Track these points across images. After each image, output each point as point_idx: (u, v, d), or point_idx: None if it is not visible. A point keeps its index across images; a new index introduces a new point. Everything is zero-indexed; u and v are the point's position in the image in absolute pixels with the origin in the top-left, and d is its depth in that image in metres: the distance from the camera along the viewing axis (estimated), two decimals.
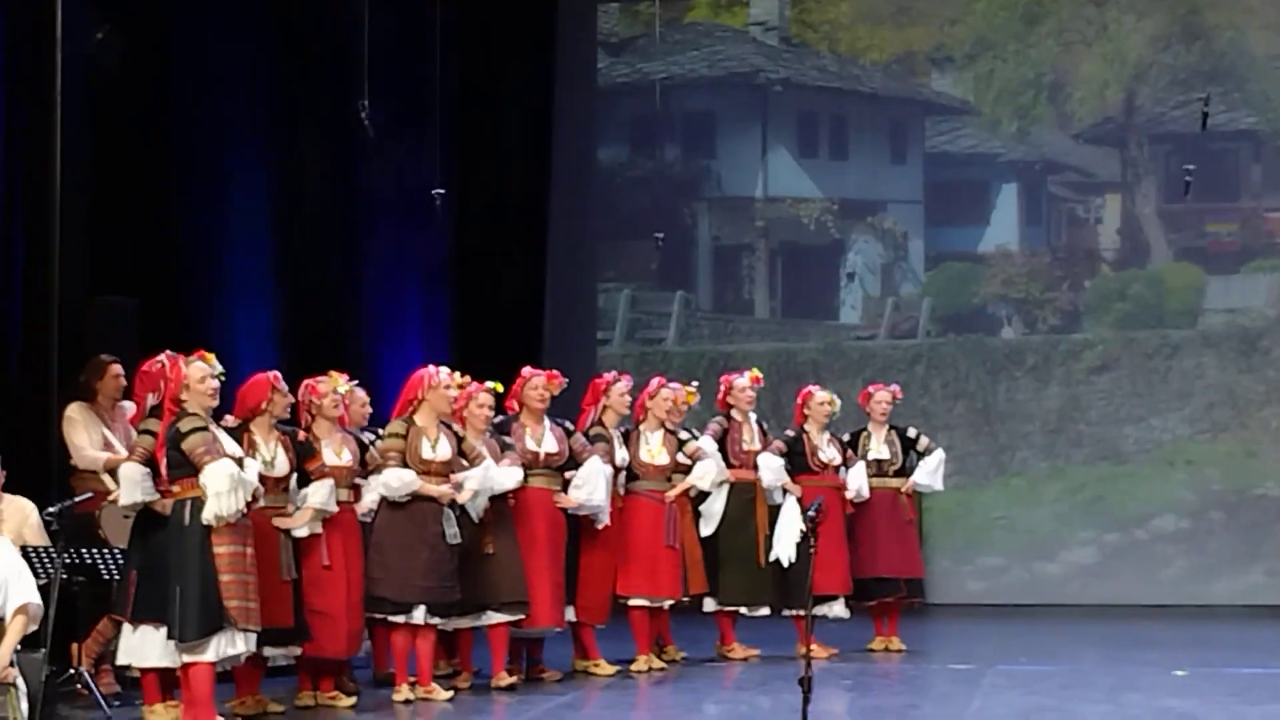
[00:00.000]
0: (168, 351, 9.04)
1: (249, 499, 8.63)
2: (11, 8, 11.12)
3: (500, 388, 10.49)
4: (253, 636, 8.66)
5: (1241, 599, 15.19)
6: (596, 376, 11.60)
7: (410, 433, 9.90)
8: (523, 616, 10.29)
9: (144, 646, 8.73)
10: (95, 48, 11.69)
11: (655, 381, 11.58)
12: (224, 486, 8.45)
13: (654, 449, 11.33)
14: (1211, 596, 15.24)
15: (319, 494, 9.32)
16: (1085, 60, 16.13)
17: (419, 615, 9.83)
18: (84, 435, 10.12)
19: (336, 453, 9.61)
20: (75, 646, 9.70)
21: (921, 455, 12.23)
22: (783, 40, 16.59)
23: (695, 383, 11.85)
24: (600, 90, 16.65)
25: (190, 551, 8.47)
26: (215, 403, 8.85)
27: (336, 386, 9.78)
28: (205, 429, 8.61)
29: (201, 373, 8.74)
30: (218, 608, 8.47)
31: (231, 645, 8.58)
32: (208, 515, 8.44)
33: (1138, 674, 10.85)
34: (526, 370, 10.83)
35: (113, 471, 9.43)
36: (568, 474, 10.73)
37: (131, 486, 8.75)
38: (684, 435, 11.54)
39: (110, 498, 9.44)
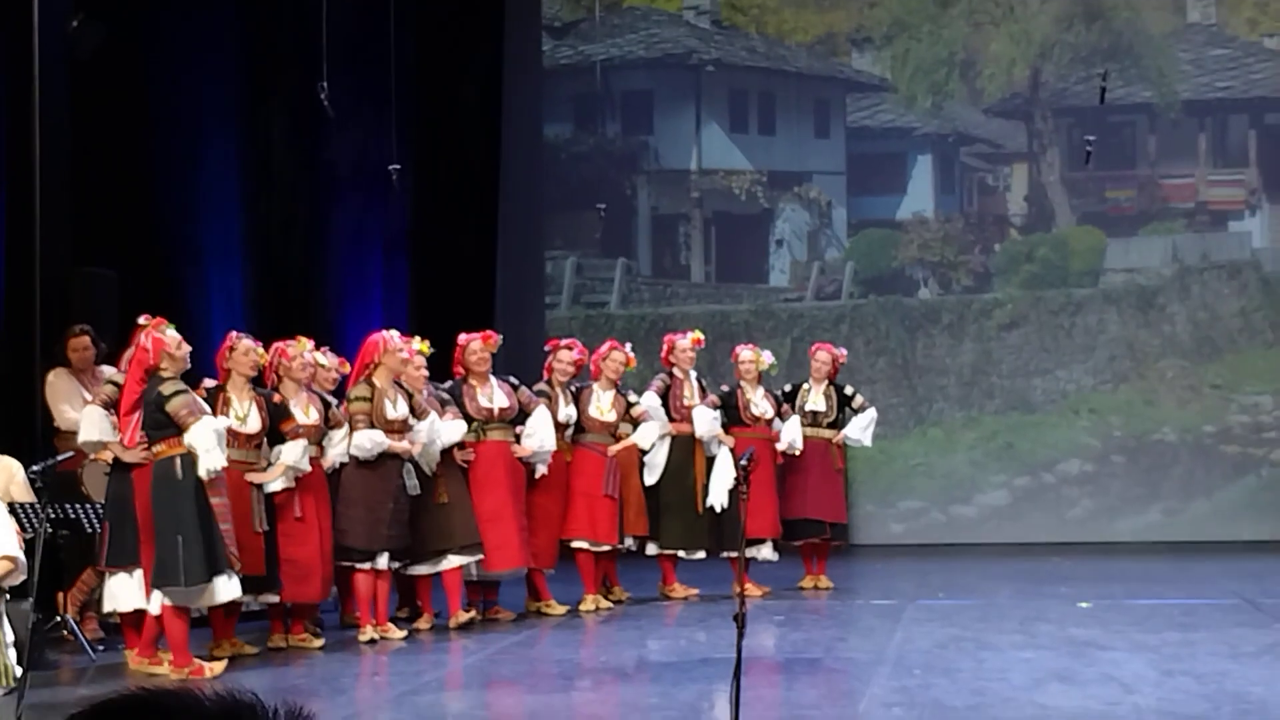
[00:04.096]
0: (145, 315, 9.00)
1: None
2: None
3: (427, 347, 10.44)
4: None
5: (1141, 536, 15.28)
6: (551, 339, 11.63)
7: (374, 395, 9.87)
8: (479, 558, 10.31)
9: (120, 592, 8.72)
10: (72, 33, 11.55)
11: (607, 345, 11.58)
12: (211, 443, 8.50)
13: (604, 406, 11.34)
14: (1113, 534, 15.33)
15: (293, 452, 9.30)
16: (994, 40, 16.12)
17: (382, 561, 9.84)
18: (65, 399, 10.04)
19: (304, 411, 9.57)
20: (61, 595, 9.64)
21: (856, 412, 12.25)
22: (714, 23, 16.52)
23: (629, 345, 11.81)
24: (545, 71, 16.55)
25: (186, 503, 8.46)
26: (188, 366, 8.83)
27: (304, 350, 9.74)
28: (185, 391, 8.61)
29: (177, 339, 8.74)
30: (219, 553, 8.50)
31: (229, 589, 8.61)
32: (202, 471, 8.47)
33: (1046, 606, 10.90)
34: (462, 337, 10.82)
35: None
36: (518, 427, 10.74)
37: (90, 425, 8.78)
38: (632, 398, 11.53)
39: (93, 457, 9.37)
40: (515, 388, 10.83)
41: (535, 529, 10.88)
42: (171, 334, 8.74)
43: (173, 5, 13.05)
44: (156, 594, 8.55)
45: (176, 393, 8.56)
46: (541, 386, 11.13)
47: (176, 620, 8.58)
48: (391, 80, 13.96)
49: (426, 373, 10.41)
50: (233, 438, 9.01)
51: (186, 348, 8.79)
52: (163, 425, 8.56)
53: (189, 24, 13.23)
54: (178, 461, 8.53)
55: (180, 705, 1.43)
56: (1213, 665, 8.48)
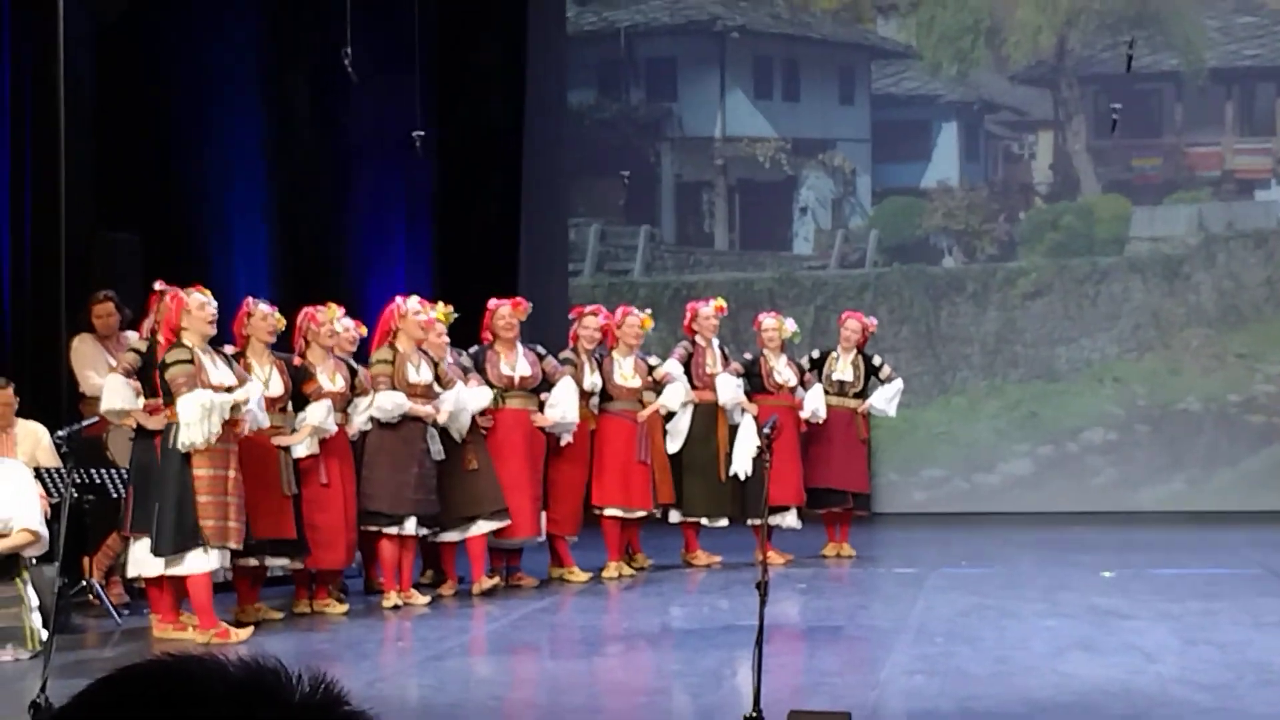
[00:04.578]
0: (160, 281, 8.98)
1: (224, 419, 8.54)
2: None
3: (444, 314, 10.39)
4: (226, 554, 8.62)
5: (1164, 505, 15.25)
6: (576, 307, 11.62)
7: (396, 359, 9.87)
8: (507, 523, 10.30)
9: (144, 557, 8.73)
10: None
11: (620, 311, 11.55)
12: (194, 417, 8.41)
13: (626, 373, 11.33)
14: (1137, 503, 15.30)
15: (317, 413, 9.29)
16: (1020, 6, 16.03)
17: (410, 526, 9.82)
18: (90, 365, 10.06)
19: (330, 378, 9.57)
20: (86, 560, 9.67)
21: (883, 383, 12.24)
22: None
23: (648, 310, 11.82)
24: (569, 37, 16.51)
25: (170, 472, 8.46)
26: (214, 331, 8.80)
27: (334, 318, 9.73)
28: (189, 361, 8.55)
29: (200, 301, 8.70)
30: (193, 526, 8.44)
31: (204, 562, 8.54)
32: (179, 442, 8.41)
33: (1069, 575, 10.89)
34: (492, 302, 10.81)
35: None
36: (542, 395, 10.73)
37: (112, 394, 8.74)
38: (653, 361, 11.55)
39: (118, 423, 9.39)
40: (541, 357, 10.81)
41: (559, 496, 10.89)
42: (196, 296, 8.71)
43: None
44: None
45: (178, 361, 8.54)
46: (567, 354, 11.12)
47: (201, 582, 8.59)
48: (415, 46, 13.94)
49: (448, 340, 10.40)
50: None
51: (210, 311, 8.73)
52: (166, 392, 8.57)
53: None
54: (173, 429, 8.53)
55: (204, 671, 1.42)
56: (1235, 635, 8.46)
